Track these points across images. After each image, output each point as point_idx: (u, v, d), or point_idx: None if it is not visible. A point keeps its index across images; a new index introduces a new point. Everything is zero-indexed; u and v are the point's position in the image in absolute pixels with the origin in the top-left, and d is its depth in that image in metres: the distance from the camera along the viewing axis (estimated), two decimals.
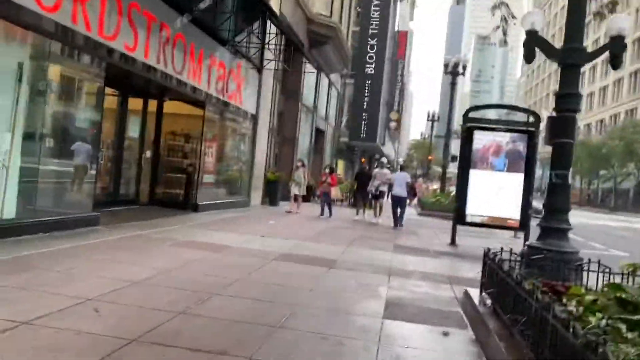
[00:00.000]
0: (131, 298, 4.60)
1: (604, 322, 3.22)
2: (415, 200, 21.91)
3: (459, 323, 4.97)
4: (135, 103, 12.29)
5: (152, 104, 12.85)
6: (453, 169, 36.33)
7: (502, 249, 5.06)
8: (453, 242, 11.45)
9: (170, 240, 8.00)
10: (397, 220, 14.23)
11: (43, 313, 3.90)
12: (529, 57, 6.96)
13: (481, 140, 11.32)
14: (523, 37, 6.89)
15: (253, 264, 6.85)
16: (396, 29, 48.21)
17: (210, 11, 12.09)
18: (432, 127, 45.71)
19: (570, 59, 6.44)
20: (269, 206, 17.08)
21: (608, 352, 2.16)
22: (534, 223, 8.44)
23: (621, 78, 64.16)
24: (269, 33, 15.14)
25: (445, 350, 4.16)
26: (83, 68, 8.52)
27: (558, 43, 6.83)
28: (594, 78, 69.63)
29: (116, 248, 7.00)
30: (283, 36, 15.67)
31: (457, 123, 38.03)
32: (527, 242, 7.06)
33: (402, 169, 16.98)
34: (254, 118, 16.29)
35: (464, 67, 27.48)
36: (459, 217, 11.46)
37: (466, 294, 5.64)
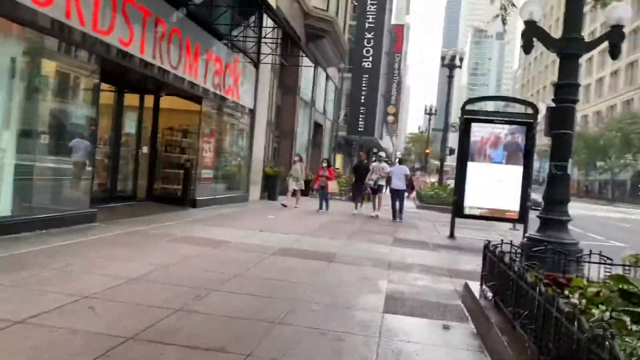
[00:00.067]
0: (128, 295, 4.55)
1: (607, 314, 3.19)
2: (413, 194, 21.87)
3: (460, 316, 4.93)
4: (131, 99, 12.20)
5: (149, 100, 12.76)
6: (450, 161, 36.35)
7: (502, 241, 5.02)
8: (452, 234, 11.42)
9: (168, 236, 7.94)
10: (396, 213, 14.19)
11: (38, 312, 3.84)
12: (527, 48, 6.89)
13: (479, 132, 11.27)
14: (519, 29, 6.83)
15: (252, 259, 6.80)
16: (392, 23, 48.07)
17: (206, 5, 11.99)
18: (429, 120, 45.65)
19: (569, 48, 6.38)
20: (267, 201, 17.02)
21: (616, 346, 2.11)
22: (532, 215, 8.41)
23: (618, 69, 64.10)
24: (266, 27, 15.02)
25: (446, 344, 4.12)
26: (78, 63, 8.42)
27: (555, 35, 6.76)
28: (591, 69, 69.57)
29: (113, 244, 6.94)
30: (280, 30, 15.54)
31: (454, 116, 37.98)
32: (527, 234, 7.02)
33: (400, 162, 16.93)
34: (252, 112, 16.21)
35: (461, 60, 27.41)
36: (457, 209, 11.42)
37: (466, 286, 5.59)
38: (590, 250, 4.89)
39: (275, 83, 17.93)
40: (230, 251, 7.26)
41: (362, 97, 35.00)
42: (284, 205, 15.07)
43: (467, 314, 4.99)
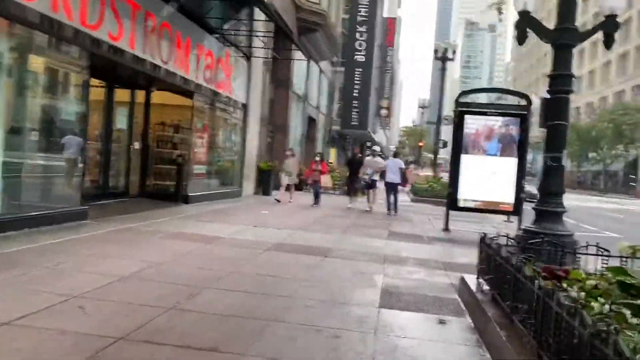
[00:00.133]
0: (119, 294, 4.46)
1: (607, 307, 3.13)
2: (408, 186, 21.84)
3: (457, 310, 4.88)
4: (122, 94, 12.05)
5: (140, 95, 12.61)
6: (444, 154, 36.38)
7: (498, 234, 4.97)
8: (446, 227, 11.38)
9: (160, 233, 7.84)
10: (391, 206, 14.14)
11: (26, 312, 3.75)
12: (521, 39, 6.82)
13: (473, 124, 11.20)
14: (512, 21, 6.77)
15: (245, 255, 6.72)
16: (385, 16, 47.90)
17: None
18: (422, 113, 45.62)
19: (563, 39, 6.32)
20: (261, 196, 16.92)
21: (621, 342, 2.05)
22: (527, 207, 8.37)
23: (609, 61, 64.28)
24: (257, 20, 14.88)
25: (443, 339, 4.07)
26: (66, 59, 8.28)
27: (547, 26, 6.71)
28: (582, 61, 69.69)
29: (105, 242, 6.84)
30: (272, 24, 15.39)
31: (447, 109, 37.97)
32: (523, 226, 6.98)
33: (395, 155, 16.87)
34: (245, 107, 16.08)
35: (454, 52, 27.38)
36: (452, 202, 11.37)
37: (462, 280, 5.54)
38: (587, 242, 4.84)
39: (267, 77, 17.80)
40: (223, 247, 7.18)
41: (355, 91, 34.83)
42: (278, 201, 14.98)
43: (463, 308, 4.95)
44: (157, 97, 12.88)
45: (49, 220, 7.55)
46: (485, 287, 4.82)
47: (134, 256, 6.04)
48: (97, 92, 10.87)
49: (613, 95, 62.31)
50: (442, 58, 26.52)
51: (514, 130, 11.00)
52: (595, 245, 4.76)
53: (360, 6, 34.16)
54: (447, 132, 24.30)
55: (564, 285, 3.70)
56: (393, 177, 14.26)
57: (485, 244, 5.01)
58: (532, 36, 6.81)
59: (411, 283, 5.87)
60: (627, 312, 3.01)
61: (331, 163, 29.00)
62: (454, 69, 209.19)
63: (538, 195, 6.56)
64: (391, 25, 49.88)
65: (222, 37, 13.84)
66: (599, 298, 3.31)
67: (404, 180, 15.28)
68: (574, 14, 6.44)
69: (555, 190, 6.42)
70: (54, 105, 8.30)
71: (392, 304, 4.88)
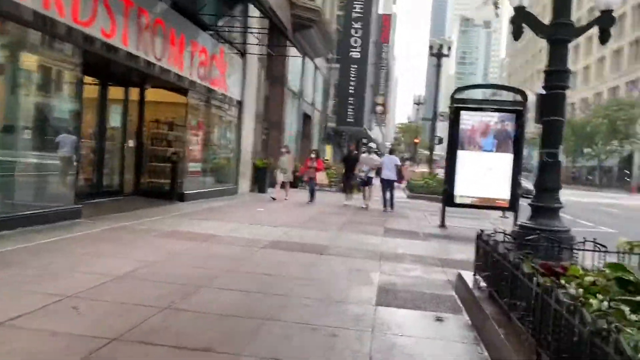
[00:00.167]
0: (113, 294, 4.41)
1: (605, 304, 3.11)
2: (404, 183, 21.83)
3: (454, 307, 4.85)
4: (116, 92, 11.96)
5: (134, 92, 12.52)
6: (439, 151, 36.39)
7: (495, 230, 4.94)
8: (442, 224, 11.36)
9: (155, 231, 7.78)
10: (387, 203, 14.11)
11: (18, 313, 3.69)
12: (517, 34, 6.80)
13: (469, 120, 11.17)
14: (506, 17, 6.75)
15: (241, 253, 6.68)
16: (380, 12, 47.81)
17: None
18: (417, 110, 45.60)
19: (559, 34, 6.30)
20: (257, 193, 16.87)
21: (622, 340, 2.02)
22: (524, 203, 8.34)
23: (603, 57, 64.45)
24: (252, 17, 14.80)
25: (441, 337, 4.03)
26: (58, 56, 8.19)
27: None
28: (577, 57, 69.84)
29: (98, 241, 6.78)
30: (266, 20, 15.31)
31: (442, 105, 37.96)
32: (519, 222, 6.96)
33: (391, 152, 16.84)
34: (239, 104, 16.00)
35: (449, 49, 27.34)
36: (448, 198, 11.34)
37: (459, 277, 5.51)
38: (584, 238, 4.82)
39: (262, 74, 17.72)
40: (219, 246, 7.13)
41: (351, 88, 34.76)
42: (274, 198, 14.93)
43: (460, 305, 4.92)
44: (151, 94, 12.79)
45: (43, 219, 7.47)
46: (482, 284, 4.79)
47: (128, 255, 5.99)
48: (91, 89, 10.78)
49: (607, 90, 62.49)
50: (437, 54, 26.45)
51: (510, 126, 10.98)
52: (592, 241, 4.74)
53: (355, 3, 34.05)
54: (442, 129, 24.29)
55: (562, 281, 3.68)
56: (389, 174, 14.24)
57: (482, 241, 4.98)
58: (527, 32, 6.79)
59: (408, 280, 5.84)
60: (626, 309, 2.99)
61: (327, 160, 28.95)
62: (449, 66, 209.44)
63: (534, 191, 6.55)
64: (386, 21, 49.79)
65: (216, 34, 13.75)
66: (597, 295, 3.28)
67: (400, 177, 15.25)
68: (569, 9, 6.42)
69: (551, 186, 6.40)
70: (46, 103, 8.22)
71: (389, 301, 4.85)
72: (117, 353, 3.17)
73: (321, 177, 16.18)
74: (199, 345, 3.40)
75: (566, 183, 56.68)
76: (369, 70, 37.46)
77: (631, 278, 3.54)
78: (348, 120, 35.13)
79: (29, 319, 3.64)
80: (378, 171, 14.90)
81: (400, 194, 18.89)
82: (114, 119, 12.18)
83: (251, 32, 14.97)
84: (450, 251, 8.15)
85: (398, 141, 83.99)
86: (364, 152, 17.14)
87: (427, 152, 36.47)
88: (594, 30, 6.67)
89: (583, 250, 4.82)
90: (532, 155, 61.31)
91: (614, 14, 6.47)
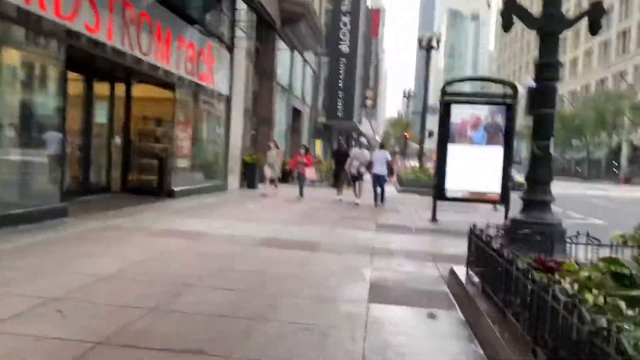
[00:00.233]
0: (99, 295, 4.29)
1: (601, 299, 3.06)
2: (394, 178, 21.81)
3: (447, 303, 4.79)
4: (101, 87, 11.76)
5: (120, 88, 12.32)
6: (429, 144, 36.41)
7: (487, 225, 4.88)
8: (434, 218, 11.32)
9: (143, 230, 7.66)
10: (378, 198, 14.06)
11: (1, 317, 3.57)
12: (507, 26, 6.74)
13: (459, 114, 11.12)
14: (495, 10, 6.70)
15: (232, 251, 6.58)
16: (369, 6, 47.65)
17: None
18: (407, 104, 45.60)
19: (549, 26, 6.26)
20: (247, 189, 16.75)
21: (624, 341, 1.95)
22: (515, 196, 8.30)
23: (591, 49, 64.83)
24: (239, 10, 14.63)
25: (434, 334, 3.97)
26: (40, 51, 8.01)
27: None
28: (565, 49, 70.20)
29: (85, 240, 6.65)
30: (254, 14, 15.18)
31: (432, 99, 37.95)
32: (511, 216, 6.92)
33: (382, 147, 16.78)
34: (228, 99, 15.85)
35: (438, 42, 27.29)
36: (439, 192, 11.31)
37: (452, 272, 5.46)
38: (578, 232, 4.78)
39: (251, 69, 17.55)
40: (209, 243, 7.02)
41: (340, 82, 34.64)
42: (264, 195, 14.81)
43: (453, 301, 4.86)
44: (138, 90, 12.61)
45: (28, 219, 7.32)
46: (475, 279, 4.74)
47: (115, 254, 5.87)
48: (76, 85, 10.61)
49: (595, 83, 62.90)
50: (426, 48, 26.42)
51: (500, 119, 10.95)
52: (585, 236, 4.71)
53: None
54: (432, 122, 24.28)
55: (557, 276, 3.63)
56: (380, 169, 14.18)
57: (475, 235, 4.93)
58: (515, 24, 6.74)
59: (400, 276, 5.78)
60: (622, 304, 2.94)
61: (317, 155, 28.86)
62: (438, 59, 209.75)
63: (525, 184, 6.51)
64: (375, 15, 49.68)
65: (203, 29, 13.58)
66: (593, 290, 3.24)
67: (390, 173, 15.20)
68: (559, 0, 6.37)
69: (542, 179, 6.36)
70: (29, 99, 8.02)
71: (382, 298, 4.78)
72: (102, 357, 3.07)
73: (310, 173, 16.06)
74: (187, 347, 3.31)
75: (555, 175, 56.76)
76: (358, 64, 37.33)
77: (626, 272, 3.51)
78: (338, 114, 35.03)
79: (12, 323, 3.52)
80: (369, 166, 14.83)
81: (390, 188, 18.85)
82: (100, 115, 11.98)
83: (239, 27, 14.80)
84: (442, 245, 8.10)
85: (388, 135, 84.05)
86: (354, 147, 17.07)
87: (417, 146, 36.47)
88: (581, 23, 6.66)
89: (576, 244, 4.78)
90: (521, 148, 61.69)
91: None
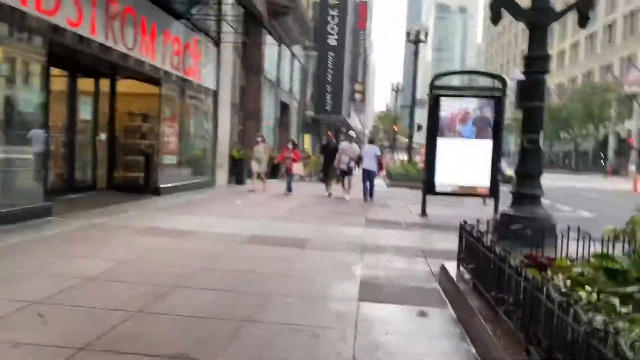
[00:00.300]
0: (82, 298, 4.18)
1: (594, 296, 3.01)
2: (383, 172, 21.78)
3: (438, 300, 4.73)
4: (85, 83, 11.54)
5: (104, 84, 12.11)
6: (418, 138, 36.43)
7: (478, 221, 4.82)
8: (424, 212, 11.28)
9: (129, 228, 7.52)
10: (367, 192, 14.00)
11: None
12: (495, 19, 6.70)
13: (448, 107, 11.07)
14: (482, 3, 6.65)
15: (219, 249, 6.47)
16: (356, 0, 47.46)
17: None
18: (396, 97, 45.57)
19: (538, 18, 6.22)
20: (235, 185, 16.60)
21: (622, 343, 1.89)
22: (505, 189, 8.29)
23: (578, 42, 65.20)
24: (226, 4, 14.43)
25: (426, 333, 3.91)
26: (21, 46, 7.81)
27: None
28: (552, 42, 70.50)
29: (69, 240, 6.51)
30: (240, 7, 14.99)
31: (420, 92, 37.92)
32: (501, 210, 6.89)
33: (371, 142, 16.69)
34: (215, 94, 15.67)
35: (426, 35, 27.24)
36: (428, 187, 11.26)
37: (443, 268, 5.40)
38: (569, 226, 4.73)
39: (238, 63, 17.37)
40: (196, 242, 6.91)
41: (329, 76, 34.49)
42: (252, 191, 14.67)
43: (445, 298, 4.80)
44: (123, 85, 12.41)
45: (10, 219, 7.15)
46: (466, 276, 4.69)
47: (100, 255, 5.74)
48: (59, 81, 10.41)
49: (582, 75, 63.31)
50: (414, 41, 26.35)
51: (489, 113, 10.91)
52: (577, 230, 4.65)
53: None
54: (421, 116, 24.25)
55: (549, 273, 3.58)
56: (369, 163, 14.11)
57: (465, 231, 4.87)
58: (503, 17, 6.69)
59: (391, 273, 5.71)
60: (616, 301, 2.89)
61: (306, 149, 28.73)
62: (426, 52, 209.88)
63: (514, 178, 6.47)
64: (363, 9, 49.48)
65: (189, 23, 13.39)
66: (586, 286, 3.19)
67: (379, 167, 15.15)
68: None
69: (532, 173, 6.33)
70: (10, 96, 7.82)
71: (372, 296, 4.70)
72: None
73: (298, 168, 15.94)
74: (173, 351, 3.22)
75: (544, 167, 57.35)
76: (346, 58, 37.17)
77: (618, 267, 3.46)
78: (326, 108, 34.90)
79: None
80: (358, 160, 14.76)
81: (380, 183, 18.81)
82: (85, 112, 11.77)
83: (225, 20, 14.62)
84: (433, 241, 8.05)
85: (377, 129, 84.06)
86: (343, 141, 16.98)
87: (406, 140, 36.47)
88: (567, 15, 6.63)
89: (567, 238, 4.73)
90: (509, 141, 61.99)
91: None
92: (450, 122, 11.06)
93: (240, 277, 5.18)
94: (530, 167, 6.31)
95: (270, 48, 20.83)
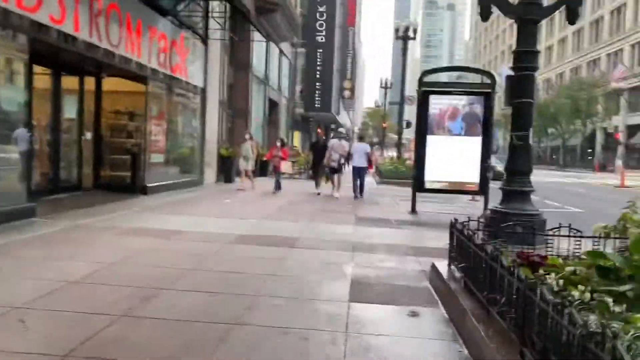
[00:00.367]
0: (66, 302, 4.06)
1: (587, 295, 2.97)
2: (373, 169, 21.74)
3: (429, 300, 4.68)
4: (70, 81, 11.33)
5: (89, 82, 11.91)
6: (408, 135, 36.47)
7: (469, 218, 4.77)
8: (413, 209, 11.24)
9: (115, 229, 7.39)
10: (357, 190, 13.95)
11: None
12: (485, 15, 6.65)
13: (438, 104, 11.03)
14: (469, 0, 6.60)
15: (207, 249, 6.36)
16: None
17: None
18: (385, 94, 45.53)
19: (528, 14, 6.19)
20: (224, 184, 16.47)
21: (620, 348, 1.83)
22: (495, 185, 8.25)
23: (565, 37, 65.60)
24: (213, 0, 14.28)
25: (418, 334, 3.84)
26: (2, 44, 7.60)
27: None
28: (540, 38, 70.89)
29: (53, 242, 6.37)
30: (228, 4, 14.81)
31: (409, 89, 37.91)
32: (491, 207, 6.86)
33: (360, 139, 16.61)
34: (203, 92, 15.52)
35: (415, 31, 27.20)
36: (418, 184, 11.22)
37: (434, 267, 5.34)
38: (560, 224, 4.70)
39: (226, 60, 17.20)
40: (183, 242, 6.80)
41: (317, 73, 34.40)
42: (240, 189, 14.54)
43: (436, 297, 4.75)
44: (109, 83, 12.22)
45: None
46: (457, 274, 4.64)
47: (85, 257, 5.61)
48: (43, 79, 10.21)
49: (569, 71, 63.71)
50: (403, 37, 26.29)
51: (479, 109, 10.89)
52: (567, 227, 4.63)
53: None
54: (411, 113, 24.23)
55: (542, 272, 3.54)
56: (359, 160, 14.05)
57: (456, 230, 4.81)
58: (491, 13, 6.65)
59: (381, 272, 5.65)
60: (609, 300, 2.85)
61: (295, 147, 28.61)
62: (415, 49, 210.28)
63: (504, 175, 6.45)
64: (352, 5, 49.36)
65: (176, 19, 13.22)
66: (578, 285, 3.15)
67: (369, 164, 15.10)
68: None
69: (522, 169, 6.31)
70: None
71: (363, 296, 4.64)
72: None
73: (286, 167, 15.84)
74: (159, 356, 3.13)
75: (532, 163, 57.70)
76: (335, 55, 37.09)
77: (610, 265, 3.43)
78: (316, 105, 34.80)
79: None
80: (348, 157, 14.70)
81: (370, 180, 18.76)
82: (70, 110, 11.56)
83: (213, 17, 14.47)
84: (423, 238, 8.01)
85: (366, 126, 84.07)
86: (332, 138, 16.90)
87: (395, 136, 36.46)
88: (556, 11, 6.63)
89: (558, 236, 4.70)
90: (498, 137, 62.26)
91: None
92: (439, 119, 11.03)
93: (229, 278, 5.09)
94: (520, 163, 6.29)
95: (258, 45, 20.69)
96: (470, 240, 4.21)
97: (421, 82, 11.17)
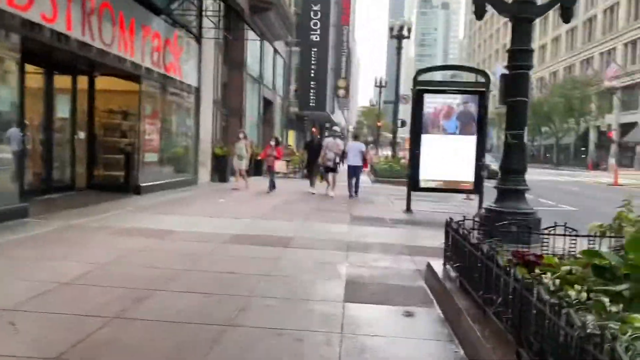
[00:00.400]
0: (58, 303, 4.02)
1: (584, 294, 2.95)
2: (367, 168, 21.73)
3: (425, 300, 4.66)
4: (63, 80, 11.24)
5: (82, 81, 11.82)
6: (402, 133, 36.48)
7: (464, 217, 4.76)
8: (408, 208, 11.23)
9: (108, 229, 7.33)
10: (352, 189, 13.92)
11: None
12: (479, 13, 6.62)
13: (432, 103, 11.02)
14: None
15: (201, 249, 6.32)
16: None
17: None
18: (380, 93, 45.54)
19: (522, 13, 6.17)
20: (218, 183, 16.40)
21: (619, 350, 1.81)
22: (490, 184, 8.24)
23: (559, 36, 65.82)
24: None
25: (414, 334, 3.82)
26: None
27: None
28: (533, 36, 71.17)
29: (45, 242, 6.31)
30: (222, 3, 14.75)
31: (404, 88, 37.93)
32: (486, 205, 6.84)
33: (355, 137, 16.58)
34: (197, 91, 15.44)
35: (409, 30, 27.19)
36: (413, 183, 11.21)
37: (429, 266, 5.32)
38: (555, 222, 4.69)
39: (220, 59, 17.14)
40: (177, 242, 6.75)
41: (312, 72, 34.39)
42: (235, 189, 14.49)
43: (431, 297, 4.73)
44: (102, 82, 12.13)
45: None
46: (453, 274, 4.62)
47: (77, 258, 5.55)
48: (35, 79, 10.12)
49: (563, 69, 63.93)
50: (397, 36, 26.27)
51: (473, 108, 10.88)
52: (563, 225, 4.62)
53: None
54: (405, 111, 24.23)
55: (537, 271, 3.52)
56: (354, 159, 14.03)
57: (451, 229, 4.79)
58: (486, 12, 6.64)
59: (376, 272, 5.62)
60: (606, 300, 2.83)
61: (290, 146, 28.55)
62: (409, 47, 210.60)
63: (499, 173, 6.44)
64: (346, 4, 49.34)
65: (169, 18, 13.15)
66: (575, 285, 3.13)
67: (364, 162, 15.08)
68: None
69: (516, 168, 6.29)
70: None
71: (358, 297, 4.61)
72: None
73: (280, 166, 15.78)
74: (152, 358, 3.09)
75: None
76: (330, 54, 37.07)
77: (606, 264, 3.41)
78: (310, 104, 34.78)
79: None
80: (343, 155, 14.67)
81: (365, 179, 18.75)
82: (63, 110, 11.46)
83: (206, 16, 14.40)
84: (418, 237, 7.99)
85: (361, 125, 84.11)
86: (327, 136, 16.87)
87: (390, 135, 36.49)
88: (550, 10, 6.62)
89: (554, 235, 4.69)
90: (492, 135, 62.47)
91: None
92: (433, 118, 11.01)
93: (223, 278, 5.05)
94: (514, 162, 6.27)
95: (252, 44, 20.63)
96: (466, 239, 4.19)
97: (416, 81, 11.16)
